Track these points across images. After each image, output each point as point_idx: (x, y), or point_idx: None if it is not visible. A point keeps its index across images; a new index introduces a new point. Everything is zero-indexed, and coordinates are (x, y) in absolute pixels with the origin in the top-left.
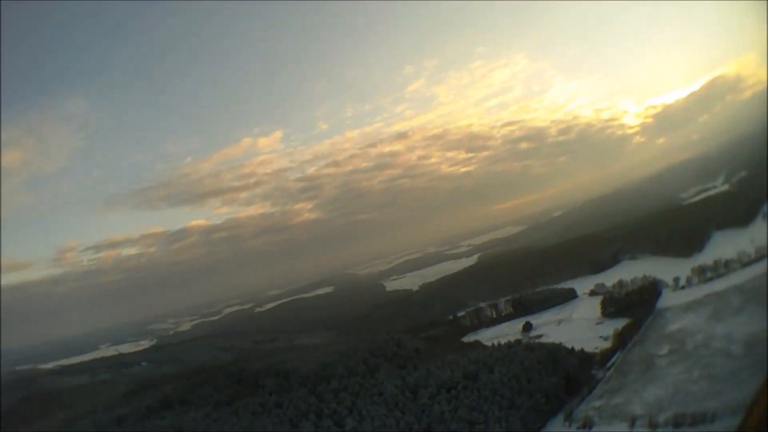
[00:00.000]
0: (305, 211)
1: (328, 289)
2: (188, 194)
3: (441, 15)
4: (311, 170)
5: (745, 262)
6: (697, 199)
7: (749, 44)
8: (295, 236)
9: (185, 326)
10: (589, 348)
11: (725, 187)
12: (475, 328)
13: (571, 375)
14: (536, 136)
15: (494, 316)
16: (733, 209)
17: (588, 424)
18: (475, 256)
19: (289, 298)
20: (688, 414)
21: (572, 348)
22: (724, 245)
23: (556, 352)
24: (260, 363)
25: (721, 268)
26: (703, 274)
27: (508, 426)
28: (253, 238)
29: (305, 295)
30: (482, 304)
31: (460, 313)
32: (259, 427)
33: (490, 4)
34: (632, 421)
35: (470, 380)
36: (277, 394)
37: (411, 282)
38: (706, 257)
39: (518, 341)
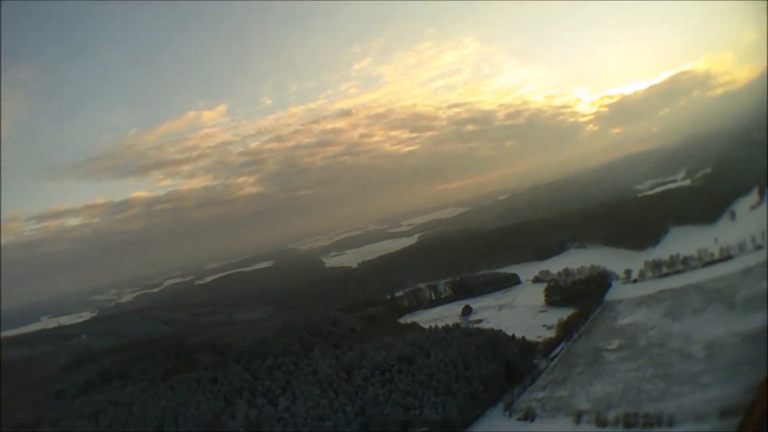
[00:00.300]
0: (247, 185)
1: (268, 264)
2: (132, 166)
3: None
4: (254, 145)
5: (707, 261)
6: (653, 191)
7: (725, 44)
8: (237, 210)
9: (127, 298)
10: (532, 336)
11: (686, 182)
12: (413, 309)
13: (511, 363)
14: (483, 119)
15: (433, 297)
16: (695, 206)
17: (530, 415)
18: (416, 236)
19: (229, 272)
20: (641, 414)
21: (513, 335)
22: (683, 241)
23: (496, 339)
24: (198, 337)
25: (679, 265)
26: (658, 268)
27: (444, 413)
28: (195, 210)
29: (245, 269)
30: (421, 285)
31: (399, 293)
32: (193, 403)
33: None
34: (578, 417)
35: (406, 363)
36: (213, 369)
37: (350, 259)
38: (662, 252)
39: (457, 325)
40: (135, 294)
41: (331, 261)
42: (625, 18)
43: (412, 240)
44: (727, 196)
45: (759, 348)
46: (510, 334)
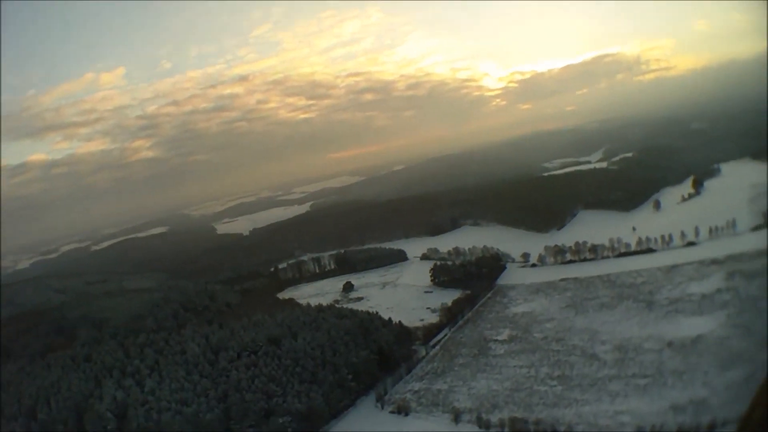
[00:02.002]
0: (144, 149)
1: (162, 230)
2: (29, 128)
3: None
4: (151, 108)
5: (622, 252)
6: (563, 171)
7: (668, 32)
8: (134, 174)
9: (23, 264)
10: (414, 319)
11: (602, 165)
12: (295, 282)
13: (385, 350)
14: (382, 88)
15: (317, 270)
16: (611, 191)
17: (403, 409)
18: (308, 204)
19: (124, 237)
20: (532, 421)
21: (390, 319)
22: (593, 227)
23: (369, 323)
24: (82, 309)
25: (586, 252)
26: (561, 254)
27: (309, 402)
28: (92, 174)
29: (140, 235)
30: (305, 258)
31: (283, 265)
32: (65, 383)
33: None
34: (457, 415)
35: (273, 345)
36: (89, 345)
37: (242, 226)
38: (567, 237)
39: (331, 305)
40: (32, 260)
41: (223, 227)
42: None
43: (303, 208)
44: (651, 183)
45: (688, 361)
46: (387, 317)
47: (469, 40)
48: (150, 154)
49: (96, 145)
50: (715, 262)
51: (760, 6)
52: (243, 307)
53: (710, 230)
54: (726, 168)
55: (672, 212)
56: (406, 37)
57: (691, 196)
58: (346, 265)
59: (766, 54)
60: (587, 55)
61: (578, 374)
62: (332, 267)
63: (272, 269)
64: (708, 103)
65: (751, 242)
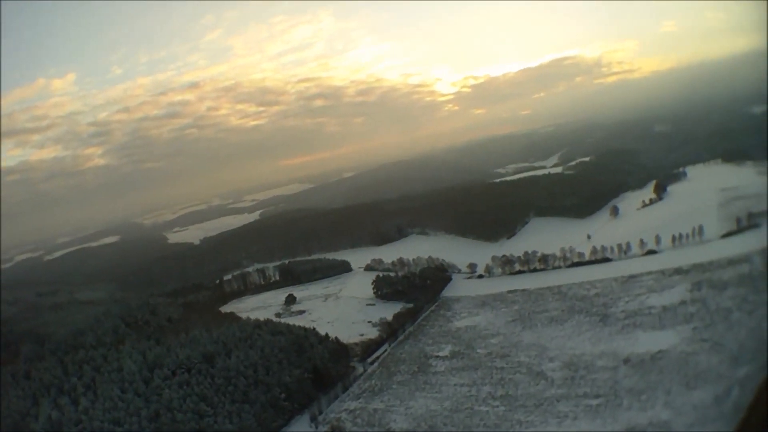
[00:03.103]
0: (96, 156)
1: (114, 239)
2: None
3: None
4: (103, 115)
5: (575, 262)
6: (515, 177)
7: (632, 33)
8: (86, 182)
9: None
10: (353, 334)
11: (558, 170)
12: (240, 294)
13: (319, 368)
14: (333, 94)
15: (262, 282)
16: (566, 197)
17: (338, 429)
18: (257, 213)
19: (76, 247)
20: None
21: (326, 335)
22: (546, 235)
23: (305, 340)
24: (28, 323)
25: (536, 262)
26: (510, 264)
27: (241, 423)
28: (45, 181)
29: (92, 244)
30: (250, 269)
31: (228, 277)
32: (5, 401)
33: None
34: None
35: (207, 363)
36: (30, 362)
37: (193, 235)
38: (518, 246)
39: (268, 320)
40: None
41: (175, 237)
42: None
43: (253, 216)
44: (609, 189)
45: (647, 379)
46: (325, 332)
47: (422, 44)
48: (102, 161)
49: (48, 152)
50: (678, 271)
51: (739, 5)
52: (184, 322)
53: (673, 238)
54: (693, 171)
55: (631, 219)
56: (358, 42)
57: (652, 201)
58: (291, 277)
59: (737, 54)
60: (545, 59)
61: (523, 394)
62: (277, 278)
63: (217, 281)
64: (674, 106)
65: (720, 250)
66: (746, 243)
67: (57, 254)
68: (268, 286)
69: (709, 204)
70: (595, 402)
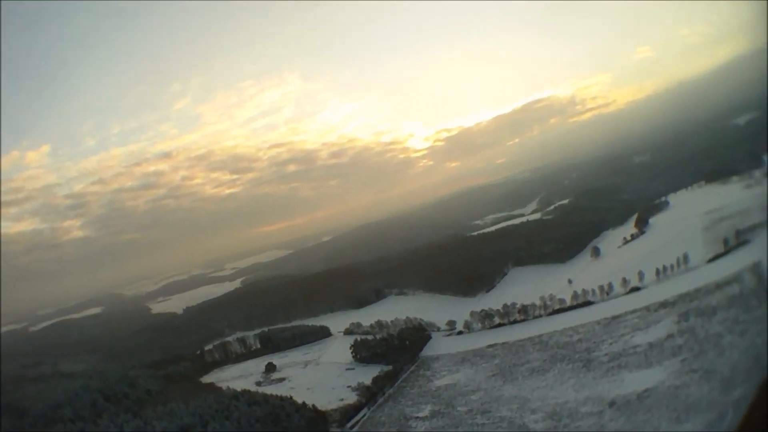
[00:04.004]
0: (74, 228)
1: (97, 310)
2: None
3: (211, 31)
4: (78, 187)
5: (556, 309)
6: (493, 228)
7: (604, 66)
8: (66, 254)
9: None
10: (333, 399)
11: (536, 216)
12: (221, 363)
13: None
14: (305, 158)
15: (242, 351)
16: (545, 243)
17: None
18: (238, 281)
19: (59, 319)
20: None
21: (303, 403)
22: (525, 285)
23: (281, 409)
24: (10, 396)
25: (515, 314)
26: (489, 318)
27: None
28: (24, 255)
29: (75, 316)
30: (230, 339)
31: (209, 347)
32: None
33: (263, 20)
34: None
35: None
36: None
37: (176, 305)
38: (497, 299)
39: (245, 390)
40: None
41: (157, 307)
42: (467, 47)
43: (234, 285)
44: (589, 229)
45: (634, 419)
46: (302, 401)
47: (391, 100)
48: (80, 233)
49: (26, 225)
50: (664, 305)
51: (717, 15)
52: (163, 394)
53: (657, 271)
54: (676, 199)
55: (613, 258)
56: (326, 102)
57: (634, 236)
58: (271, 344)
59: (716, 66)
60: (518, 103)
61: None
62: (258, 346)
63: (198, 351)
64: (653, 134)
65: (707, 275)
66: (734, 263)
67: (41, 325)
68: (249, 355)
69: (694, 230)
70: None
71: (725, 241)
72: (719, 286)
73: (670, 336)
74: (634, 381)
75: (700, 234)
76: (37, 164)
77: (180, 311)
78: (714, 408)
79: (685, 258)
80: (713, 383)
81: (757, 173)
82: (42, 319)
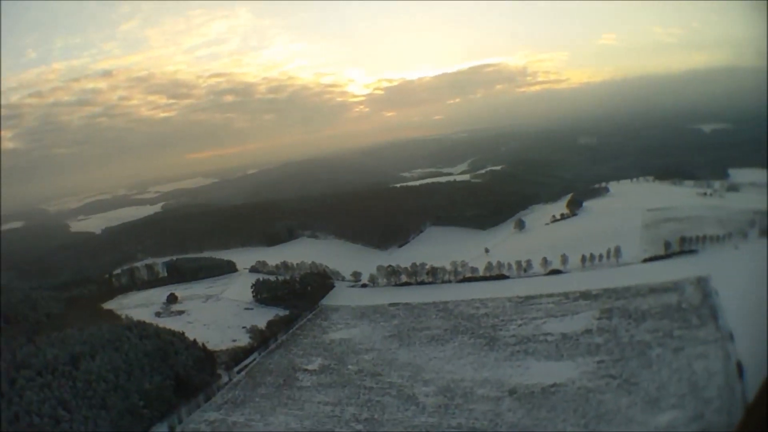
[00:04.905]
0: (5, 139)
1: (18, 224)
2: None
3: None
4: (15, 98)
5: (466, 277)
6: (418, 183)
7: (564, 45)
8: None
9: None
10: (226, 339)
11: (465, 177)
12: (127, 289)
13: (182, 376)
14: (244, 90)
15: (149, 278)
16: (469, 206)
17: None
18: (160, 205)
19: None
20: None
21: (194, 341)
22: (440, 246)
23: (170, 346)
24: None
25: (423, 275)
26: (396, 275)
27: (96, 429)
28: None
29: None
30: (138, 265)
31: (117, 271)
32: None
33: None
34: None
35: (72, 365)
36: None
37: (96, 224)
38: (408, 255)
39: (140, 322)
40: None
41: (78, 225)
42: (423, 3)
43: (155, 208)
44: (518, 200)
45: (535, 415)
46: (191, 339)
47: (337, 46)
48: (11, 145)
49: None
50: (585, 296)
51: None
52: (62, 318)
53: (583, 258)
54: (617, 188)
55: (538, 234)
56: (273, 39)
57: (564, 216)
58: (177, 274)
59: (687, 70)
60: (464, 65)
61: (390, 419)
62: (164, 275)
63: (107, 275)
64: (602, 118)
65: (640, 275)
66: (675, 270)
67: None
68: (155, 283)
69: (632, 223)
70: None
71: (666, 245)
72: (654, 290)
73: (587, 331)
74: (541, 372)
75: (639, 230)
76: None
77: (98, 231)
78: (630, 427)
79: (617, 251)
80: (634, 397)
81: (717, 184)
82: None
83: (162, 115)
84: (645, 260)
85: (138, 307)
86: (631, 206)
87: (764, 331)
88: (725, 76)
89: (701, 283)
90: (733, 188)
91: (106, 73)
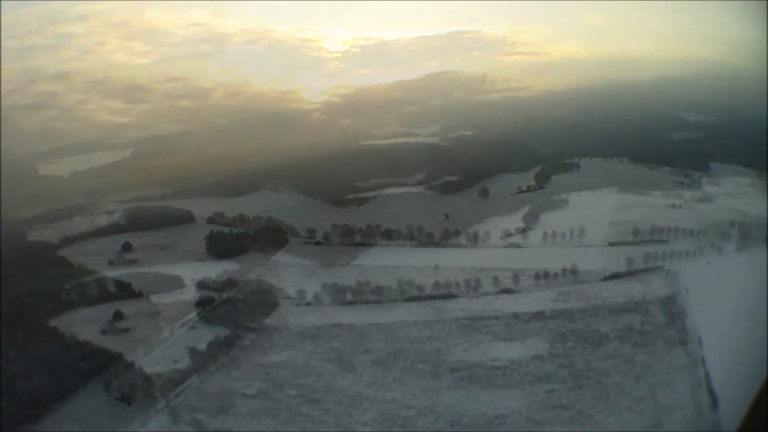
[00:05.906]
0: None
1: None
2: None
3: None
4: None
5: (422, 242)
6: (386, 141)
7: (549, 20)
8: None
9: None
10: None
11: (434, 140)
12: (86, 236)
13: None
14: (220, 41)
15: (107, 225)
16: (434, 170)
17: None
18: (129, 150)
19: None
20: None
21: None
22: (401, 208)
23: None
24: None
25: (378, 237)
26: (350, 235)
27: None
28: None
29: None
30: (98, 212)
31: (77, 218)
32: None
33: None
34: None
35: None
36: None
37: (64, 168)
38: (366, 214)
39: (90, 272)
40: None
41: (46, 168)
42: None
43: (124, 154)
44: (485, 167)
45: None
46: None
47: (316, 6)
48: None
49: None
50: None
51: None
52: (15, 265)
53: (544, 234)
54: (588, 165)
55: (501, 203)
56: None
57: (530, 189)
58: (136, 222)
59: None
60: (443, 30)
61: None
62: (124, 222)
63: (65, 221)
64: (581, 94)
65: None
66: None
67: None
68: (114, 230)
69: (601, 205)
70: None
71: (635, 232)
72: (613, 310)
73: (537, 357)
74: (487, 401)
75: (608, 213)
76: None
77: (66, 175)
78: None
79: (581, 231)
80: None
81: (696, 175)
82: None
83: (138, 61)
84: (611, 244)
85: (92, 255)
86: (600, 184)
87: (764, 331)
88: (714, 71)
89: (669, 303)
90: (714, 183)
91: (83, 18)
